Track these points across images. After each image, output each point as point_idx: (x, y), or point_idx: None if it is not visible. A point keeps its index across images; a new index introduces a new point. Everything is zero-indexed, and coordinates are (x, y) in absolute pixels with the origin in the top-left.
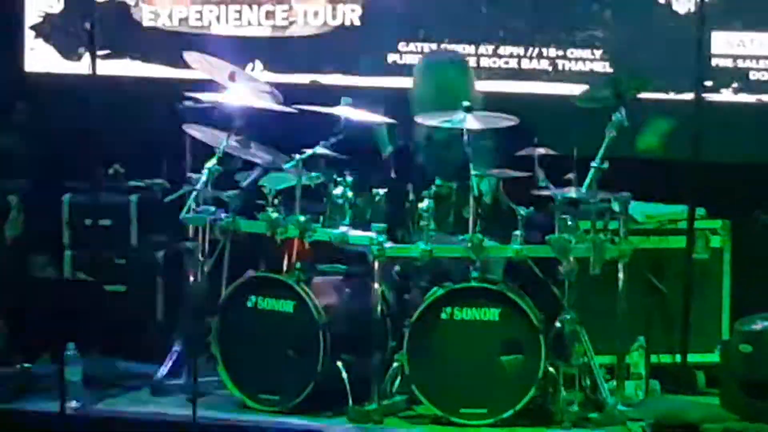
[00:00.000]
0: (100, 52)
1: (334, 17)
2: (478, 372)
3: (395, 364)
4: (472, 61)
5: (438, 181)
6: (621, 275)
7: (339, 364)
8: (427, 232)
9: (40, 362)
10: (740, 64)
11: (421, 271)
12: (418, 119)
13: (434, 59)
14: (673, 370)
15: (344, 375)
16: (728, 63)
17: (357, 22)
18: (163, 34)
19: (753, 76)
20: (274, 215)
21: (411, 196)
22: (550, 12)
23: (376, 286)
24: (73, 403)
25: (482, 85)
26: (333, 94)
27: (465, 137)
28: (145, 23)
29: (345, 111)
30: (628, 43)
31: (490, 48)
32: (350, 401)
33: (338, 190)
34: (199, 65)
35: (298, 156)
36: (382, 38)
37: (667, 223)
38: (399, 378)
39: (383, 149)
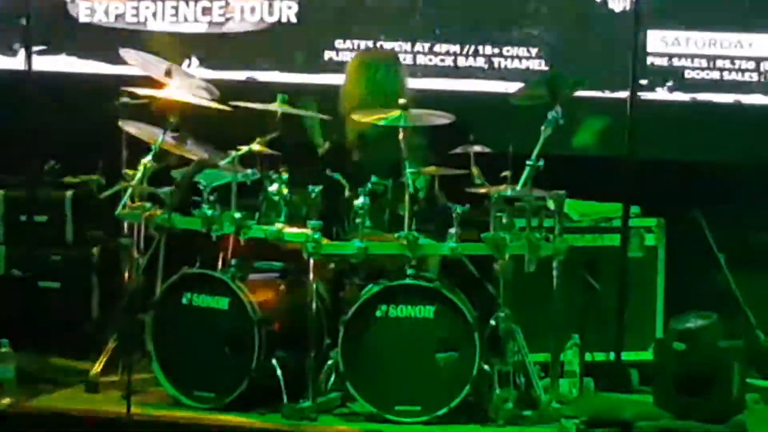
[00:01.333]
0: (35, 48)
1: (270, 14)
2: (413, 369)
3: (330, 362)
4: (408, 59)
5: (373, 179)
6: (556, 273)
7: (274, 361)
8: (362, 230)
9: None
10: (675, 62)
11: (356, 269)
12: (354, 116)
13: (367, 57)
14: (608, 368)
15: (279, 372)
16: (663, 62)
17: (293, 19)
18: (100, 30)
19: (688, 74)
20: (210, 212)
21: (347, 193)
22: (486, 10)
23: (312, 283)
24: (6, 400)
25: (418, 83)
26: (269, 91)
27: (400, 135)
28: (82, 19)
29: (280, 108)
30: (564, 42)
31: (426, 46)
32: (285, 398)
33: (274, 187)
34: (135, 62)
35: (233, 153)
36: (318, 35)
37: (601, 221)
38: (334, 375)
39: (318, 146)
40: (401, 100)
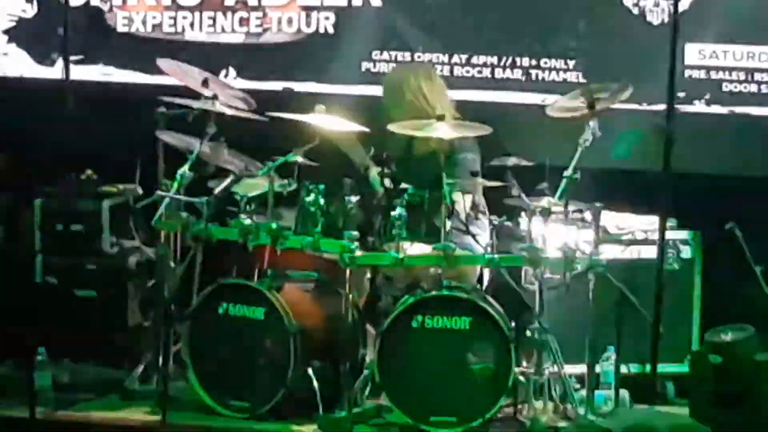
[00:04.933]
0: (73, 58)
1: (308, 25)
2: (449, 380)
3: (366, 372)
4: (445, 70)
5: (410, 190)
6: (592, 285)
7: (309, 371)
8: (399, 241)
9: (5, 366)
10: (713, 75)
11: (392, 279)
12: (392, 128)
13: (400, 71)
14: (643, 380)
15: (314, 382)
16: (701, 74)
17: (330, 30)
18: (137, 40)
19: (725, 87)
20: (246, 222)
21: (383, 205)
22: (523, 22)
23: (348, 293)
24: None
25: (455, 94)
26: (306, 102)
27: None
28: (119, 29)
29: (318, 119)
30: (601, 54)
31: (464, 57)
32: (320, 409)
33: (310, 198)
34: (172, 72)
35: (270, 163)
36: (356, 46)
37: (638, 234)
38: (369, 386)
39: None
40: (439, 112)
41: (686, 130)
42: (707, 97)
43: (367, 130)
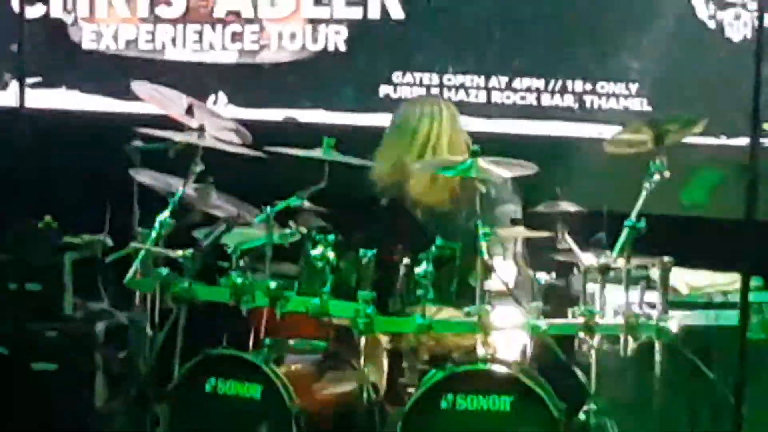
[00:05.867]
0: (29, 80)
1: (314, 41)
2: None
3: None
4: (481, 96)
5: (439, 241)
6: (659, 358)
7: None
8: (425, 303)
9: None
10: None
11: (416, 350)
12: (416, 166)
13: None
14: None
15: None
16: None
17: (342, 47)
18: (107, 59)
19: None
20: (239, 280)
21: (406, 259)
22: (576, 37)
23: (363, 367)
24: None
25: (493, 125)
26: (313, 134)
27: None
28: (85, 45)
29: (327, 154)
30: (670, 77)
31: (504, 80)
32: None
33: (317, 251)
34: (150, 97)
35: (269, 208)
36: (373, 67)
37: (716, 296)
38: None
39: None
40: (466, 147)
41: None
42: None
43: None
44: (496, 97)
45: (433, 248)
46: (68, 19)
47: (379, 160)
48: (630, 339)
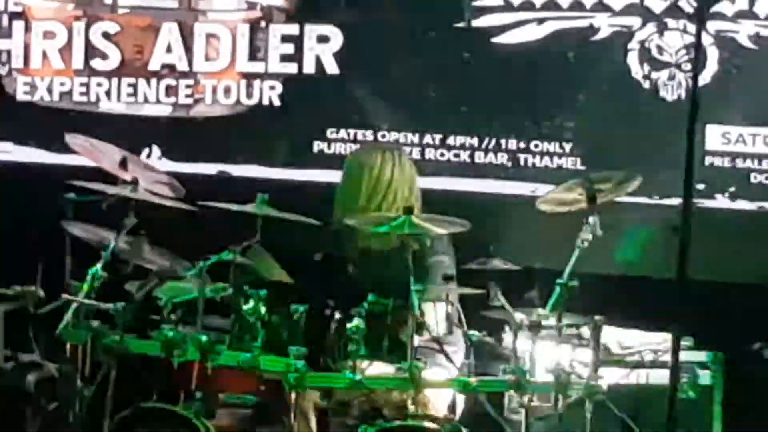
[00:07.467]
0: None
1: (249, 95)
2: None
3: None
4: (415, 153)
5: (371, 297)
6: (589, 415)
7: None
8: (356, 359)
9: None
10: (739, 164)
11: (347, 405)
12: (349, 222)
13: (363, 152)
14: None
15: None
16: (725, 162)
17: (276, 102)
18: (42, 111)
19: (754, 179)
20: (171, 333)
21: (337, 315)
22: (510, 95)
23: (293, 422)
24: None
25: (427, 182)
26: (246, 189)
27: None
28: (19, 97)
29: (260, 209)
30: (604, 136)
31: (438, 137)
32: None
33: (249, 305)
34: (83, 150)
35: (201, 263)
36: (307, 122)
37: (646, 355)
38: None
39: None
40: (407, 204)
41: (706, 230)
42: (732, 190)
43: (316, 222)
44: (430, 154)
45: (365, 304)
46: (2, 71)
47: (337, 205)
48: (560, 397)
